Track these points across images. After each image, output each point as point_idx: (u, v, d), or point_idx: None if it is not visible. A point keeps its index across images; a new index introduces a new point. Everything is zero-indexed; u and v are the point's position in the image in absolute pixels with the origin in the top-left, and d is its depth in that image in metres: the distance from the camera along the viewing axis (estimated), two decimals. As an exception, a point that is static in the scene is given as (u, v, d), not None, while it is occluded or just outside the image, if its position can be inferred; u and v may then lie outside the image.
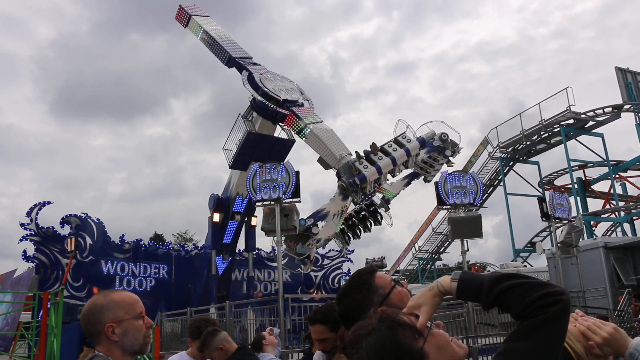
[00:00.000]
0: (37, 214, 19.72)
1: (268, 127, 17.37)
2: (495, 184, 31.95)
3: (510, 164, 31.09)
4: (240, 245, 21.50)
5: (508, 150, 30.47)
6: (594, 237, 23.66)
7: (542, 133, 28.55)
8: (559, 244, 17.84)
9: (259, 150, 16.63)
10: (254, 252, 22.19)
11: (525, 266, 26.10)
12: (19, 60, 79.06)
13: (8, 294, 19.86)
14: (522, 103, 76.20)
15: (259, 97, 16.08)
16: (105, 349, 2.08)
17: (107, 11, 78.08)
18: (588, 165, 29.60)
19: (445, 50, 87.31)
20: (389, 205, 17.90)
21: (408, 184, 18.14)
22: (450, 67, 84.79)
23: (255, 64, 17.63)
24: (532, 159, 31.19)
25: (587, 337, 1.83)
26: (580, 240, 19.43)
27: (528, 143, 29.63)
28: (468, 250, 17.47)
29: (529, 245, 31.64)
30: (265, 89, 16.21)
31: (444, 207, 18.43)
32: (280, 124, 17.21)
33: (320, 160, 15.81)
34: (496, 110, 75.41)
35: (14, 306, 14.65)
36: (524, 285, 1.43)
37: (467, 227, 16.93)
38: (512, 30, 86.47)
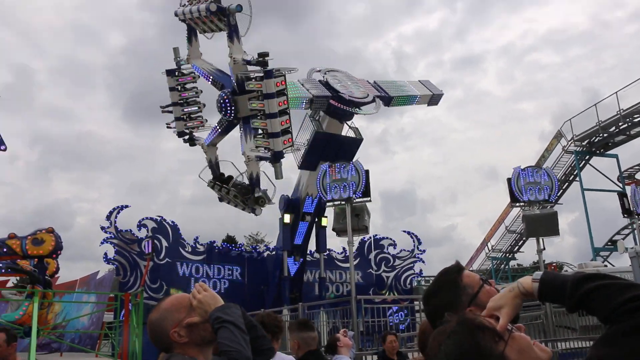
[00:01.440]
0: (115, 217, 20.50)
1: (335, 126, 17.42)
2: (570, 179, 30.70)
3: (587, 157, 29.77)
4: (312, 246, 21.59)
5: (583, 144, 29.22)
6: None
7: (620, 124, 27.21)
8: (643, 242, 17.02)
9: (328, 149, 16.66)
10: (325, 253, 22.26)
11: (606, 266, 24.90)
12: (94, 68, 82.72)
13: (92, 294, 20.82)
14: (597, 93, 72.83)
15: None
16: (182, 351, 2.12)
17: (171, 15, 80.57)
18: (673, 156, 28.06)
19: (513, 41, 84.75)
20: None
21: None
22: (518, 58, 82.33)
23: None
24: (610, 152, 29.72)
25: None
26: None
27: (605, 135, 28.30)
28: (544, 249, 16.95)
29: (609, 243, 30.23)
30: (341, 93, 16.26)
31: (517, 205, 17.97)
32: (347, 122, 17.25)
33: None
34: (569, 101, 72.49)
35: (98, 306, 15.33)
36: (610, 287, 1.34)
37: (542, 225, 16.47)
38: (584, 15, 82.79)
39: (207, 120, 19.44)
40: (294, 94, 15.48)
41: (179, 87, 19.16)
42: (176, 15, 17.88)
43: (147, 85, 78.55)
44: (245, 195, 17.42)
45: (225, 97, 16.07)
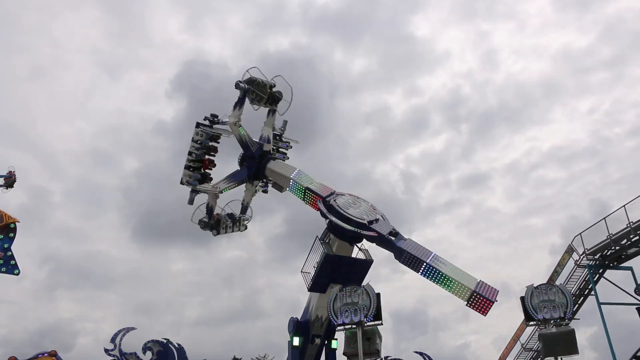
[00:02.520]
0: (121, 339, 19.97)
1: (345, 249, 17.39)
2: (585, 293, 30.03)
3: (600, 271, 29.29)
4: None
5: (596, 257, 28.88)
6: None
7: (631, 236, 27.00)
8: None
9: (338, 271, 16.54)
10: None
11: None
12: (107, 190, 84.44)
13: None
14: (606, 205, 72.95)
15: (350, 227, 16.26)
16: None
17: (183, 140, 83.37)
18: (689, 266, 27.55)
19: (518, 159, 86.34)
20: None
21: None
22: (524, 175, 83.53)
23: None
24: (624, 265, 29.29)
25: None
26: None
27: (617, 248, 28.02)
28: (563, 367, 16.34)
29: (633, 358, 29.04)
30: (347, 215, 16.38)
31: (531, 324, 17.56)
32: (357, 244, 17.22)
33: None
34: (578, 214, 72.54)
35: None
36: None
37: (560, 343, 16.03)
38: (584, 132, 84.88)
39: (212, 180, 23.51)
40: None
41: (199, 142, 22.46)
42: (238, 86, 21.67)
43: (157, 206, 79.73)
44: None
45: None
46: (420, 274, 14.87)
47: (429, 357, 24.60)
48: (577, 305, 29.91)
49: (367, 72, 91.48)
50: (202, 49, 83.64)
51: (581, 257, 29.08)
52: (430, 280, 14.69)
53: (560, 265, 30.50)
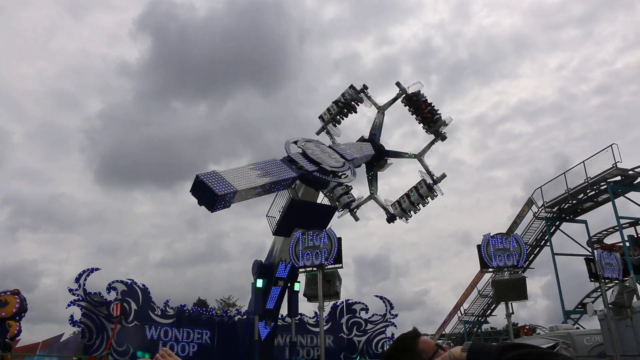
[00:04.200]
0: (85, 280, 20.14)
1: (311, 194, 17.60)
2: (542, 244, 31.20)
3: (557, 223, 30.38)
4: (283, 310, 21.40)
5: (554, 210, 29.87)
6: (651, 297, 22.62)
7: (588, 191, 27.95)
8: (610, 305, 17.23)
9: (302, 217, 16.77)
10: (296, 318, 22.05)
11: (577, 328, 25.07)
12: (70, 131, 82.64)
13: (54, 357, 20.19)
14: (567, 160, 74.84)
15: (335, 181, 16.55)
16: None
17: (148, 81, 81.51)
18: (639, 222, 28.67)
19: (485, 112, 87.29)
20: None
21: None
22: (491, 128, 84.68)
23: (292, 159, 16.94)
24: (579, 218, 30.41)
25: None
26: (635, 300, 18.68)
27: (574, 202, 28.99)
28: (513, 313, 17.18)
29: (579, 306, 30.51)
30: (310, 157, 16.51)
31: (487, 270, 18.19)
32: (323, 190, 17.44)
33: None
34: (541, 168, 74.26)
35: (60, 371, 14.89)
36: (528, 355, 1.46)
37: (511, 290, 16.70)
38: (552, 88, 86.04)
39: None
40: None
41: (345, 99, 22.58)
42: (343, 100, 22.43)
43: (121, 148, 78.61)
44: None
45: None
46: None
47: (388, 300, 25.54)
48: (533, 256, 31.09)
49: (338, 19, 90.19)
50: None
51: (540, 209, 30.02)
52: None
53: (520, 216, 31.46)
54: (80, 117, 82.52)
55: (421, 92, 22.72)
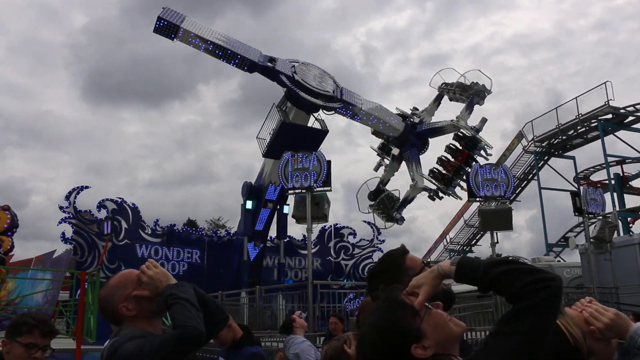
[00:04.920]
0: (75, 197, 20.27)
1: (302, 117, 17.55)
2: (529, 177, 31.50)
3: (545, 158, 30.61)
4: (272, 232, 21.75)
5: (543, 145, 30.00)
6: (631, 233, 23.17)
7: (578, 128, 28.00)
8: (591, 240, 17.63)
9: (293, 139, 16.77)
10: (285, 239, 22.46)
11: (558, 261, 25.75)
12: (54, 46, 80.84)
13: (48, 272, 20.55)
14: (560, 96, 74.40)
15: (310, 98, 16.35)
16: (132, 324, 2.26)
17: (133, -4, 79.32)
18: (627, 161, 28.92)
19: (480, 42, 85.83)
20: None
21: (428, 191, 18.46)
22: (484, 59, 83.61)
23: (272, 59, 16.70)
24: (568, 154, 30.62)
25: (590, 322, 1.93)
26: (616, 236, 19.14)
27: (564, 137, 29.11)
28: (497, 242, 17.51)
29: (562, 240, 31.18)
30: (309, 86, 16.39)
31: (475, 200, 18.41)
32: (314, 114, 17.39)
33: (376, 133, 19.12)
34: (532, 103, 73.88)
35: (53, 284, 15.22)
36: (517, 270, 1.49)
37: (497, 220, 16.96)
38: (549, 22, 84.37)
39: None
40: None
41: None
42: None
43: (107, 65, 77.13)
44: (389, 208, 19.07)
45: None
46: None
47: (376, 226, 25.90)
48: (520, 189, 31.44)
49: None
50: None
51: (529, 143, 30.13)
52: None
53: (509, 149, 31.62)
54: (64, 32, 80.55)
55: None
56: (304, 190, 14.76)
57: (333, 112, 17.44)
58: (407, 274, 1.98)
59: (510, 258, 1.72)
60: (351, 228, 25.89)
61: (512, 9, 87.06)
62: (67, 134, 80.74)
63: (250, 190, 20.16)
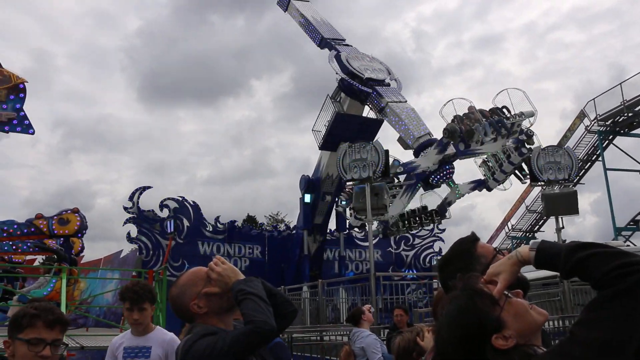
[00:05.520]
0: (138, 198, 20.84)
1: (356, 108, 17.45)
2: (593, 159, 30.30)
3: (610, 137, 29.34)
4: (332, 225, 21.76)
5: (607, 123, 28.78)
6: None
7: (646, 103, 26.77)
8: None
9: (348, 130, 16.71)
10: (344, 232, 22.42)
11: (628, 245, 24.72)
12: (110, 51, 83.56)
13: (116, 272, 21.24)
14: (624, 70, 70.95)
15: (342, 75, 16.28)
16: (203, 321, 2.27)
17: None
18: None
19: (535, 20, 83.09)
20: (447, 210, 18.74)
21: (473, 189, 17.65)
22: (540, 37, 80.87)
23: (347, 45, 17.81)
24: (635, 132, 29.30)
25: None
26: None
27: (630, 114, 27.80)
28: (563, 227, 16.88)
29: (632, 223, 29.90)
30: (350, 68, 16.32)
31: (537, 184, 17.87)
32: (368, 104, 17.24)
33: (400, 140, 16.77)
34: (594, 80, 70.89)
35: (121, 283, 15.72)
36: (602, 254, 1.39)
37: (562, 204, 16.39)
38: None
39: None
40: None
41: None
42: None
43: (161, 66, 79.14)
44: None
45: None
46: None
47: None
48: (583, 171, 30.31)
49: None
50: None
51: (592, 122, 28.97)
52: None
53: (571, 130, 30.52)
54: (119, 36, 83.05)
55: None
56: (362, 181, 14.65)
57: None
58: (479, 262, 1.95)
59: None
60: (411, 218, 25.59)
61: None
62: (127, 136, 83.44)
63: (308, 184, 20.20)
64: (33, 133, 10.22)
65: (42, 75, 76.69)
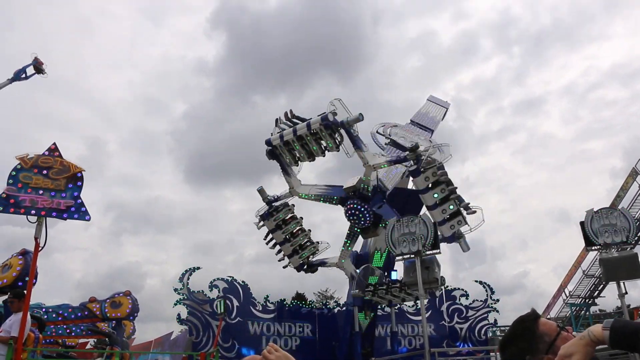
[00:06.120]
0: (188, 279, 20.98)
1: (402, 181, 17.45)
2: (651, 217, 29.25)
3: (667, 193, 28.41)
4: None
5: (663, 179, 27.93)
6: None
7: (700, 157, 25.91)
8: None
9: (395, 203, 16.65)
10: (396, 307, 21.94)
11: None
12: (158, 135, 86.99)
13: (167, 355, 21.15)
14: (672, 125, 69.52)
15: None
16: None
17: (226, 78, 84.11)
18: None
19: (574, 80, 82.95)
20: None
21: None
22: (581, 97, 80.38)
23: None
24: (693, 187, 28.27)
25: None
26: None
27: (685, 169, 27.02)
28: (626, 293, 16.12)
29: (699, 284, 28.43)
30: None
31: (592, 248, 17.29)
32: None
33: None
34: (641, 135, 69.48)
35: (174, 367, 15.64)
36: None
37: (622, 268, 15.75)
38: (649, 47, 80.00)
39: (319, 243, 20.36)
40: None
41: (280, 224, 19.68)
42: (269, 144, 18.48)
43: (206, 147, 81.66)
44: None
45: (355, 205, 17.29)
46: None
47: (488, 285, 24.84)
48: (642, 230, 29.16)
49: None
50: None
51: (646, 179, 28.14)
52: None
53: (623, 189, 29.63)
54: (166, 120, 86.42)
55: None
56: (412, 255, 14.46)
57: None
58: (542, 341, 1.89)
59: None
60: (463, 289, 24.96)
61: (605, 39, 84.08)
62: (175, 217, 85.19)
63: (357, 259, 20.01)
64: (89, 219, 10.49)
65: (95, 161, 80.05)
